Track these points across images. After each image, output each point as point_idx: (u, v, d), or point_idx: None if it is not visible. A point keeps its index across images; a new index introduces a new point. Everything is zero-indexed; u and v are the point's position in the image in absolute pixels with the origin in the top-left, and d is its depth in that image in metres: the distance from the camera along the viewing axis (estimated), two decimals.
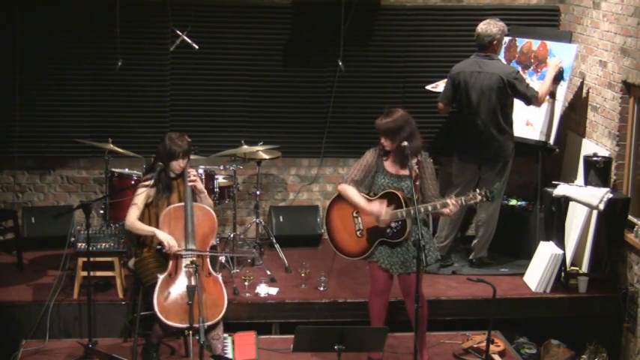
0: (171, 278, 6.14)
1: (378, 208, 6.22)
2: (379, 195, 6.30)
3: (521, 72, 7.70)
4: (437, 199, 6.31)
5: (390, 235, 6.30)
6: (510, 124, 7.70)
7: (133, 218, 6.31)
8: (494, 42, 7.59)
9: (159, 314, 6.02)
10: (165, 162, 6.33)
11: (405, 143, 6.22)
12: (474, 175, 7.75)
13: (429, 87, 8.26)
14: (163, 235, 6.20)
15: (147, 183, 6.34)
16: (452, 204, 6.17)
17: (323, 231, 8.75)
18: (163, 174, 6.36)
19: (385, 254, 6.36)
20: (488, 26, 7.57)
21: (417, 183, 6.29)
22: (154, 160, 6.46)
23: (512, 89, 7.51)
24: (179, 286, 6.09)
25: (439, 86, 8.09)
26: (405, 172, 6.26)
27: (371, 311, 6.57)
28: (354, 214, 6.42)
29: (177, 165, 6.35)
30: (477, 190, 6.23)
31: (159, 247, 6.23)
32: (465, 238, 8.29)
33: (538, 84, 8.06)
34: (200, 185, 6.48)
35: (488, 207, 7.77)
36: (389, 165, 6.33)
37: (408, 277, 6.30)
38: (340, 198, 6.45)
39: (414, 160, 6.28)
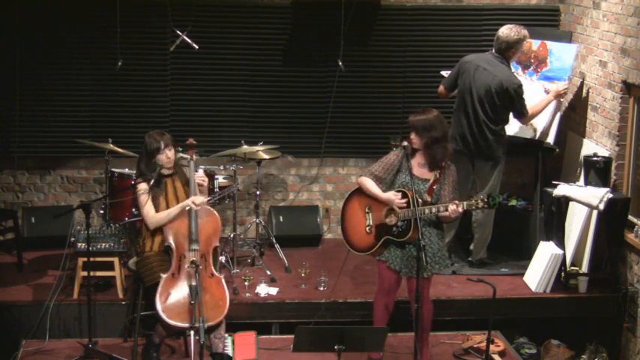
0: (174, 278, 6.14)
1: (392, 197, 6.26)
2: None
3: (523, 86, 7.68)
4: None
5: (395, 233, 6.32)
6: (503, 127, 7.72)
7: (152, 215, 6.32)
8: (511, 49, 7.59)
9: (161, 314, 6.01)
10: (154, 159, 6.34)
11: (405, 143, 6.26)
12: (467, 173, 7.76)
13: (443, 72, 8.25)
14: (185, 202, 6.25)
15: (144, 185, 6.34)
16: (452, 208, 6.18)
17: (325, 231, 8.78)
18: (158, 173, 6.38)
19: (396, 256, 6.37)
20: (510, 32, 7.56)
21: (435, 187, 6.30)
22: (139, 161, 6.46)
23: (508, 99, 7.51)
24: (182, 286, 6.09)
25: None
26: (427, 175, 6.29)
27: (375, 310, 6.58)
28: (367, 210, 6.43)
29: (165, 157, 6.36)
30: (481, 197, 6.29)
31: (167, 244, 6.24)
32: (464, 239, 8.27)
33: (538, 84, 8.07)
34: (205, 188, 6.49)
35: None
36: (414, 166, 6.31)
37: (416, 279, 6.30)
38: (357, 192, 6.48)
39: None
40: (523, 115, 7.66)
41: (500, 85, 7.48)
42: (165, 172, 6.42)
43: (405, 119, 8.47)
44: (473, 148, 7.68)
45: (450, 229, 7.88)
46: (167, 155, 6.36)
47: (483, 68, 7.56)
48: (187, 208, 6.29)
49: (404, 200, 6.24)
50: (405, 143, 6.28)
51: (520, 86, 7.56)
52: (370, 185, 6.37)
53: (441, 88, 7.88)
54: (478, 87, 7.55)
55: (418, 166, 6.32)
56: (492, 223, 7.91)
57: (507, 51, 7.59)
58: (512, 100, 7.52)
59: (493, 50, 7.66)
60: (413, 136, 6.29)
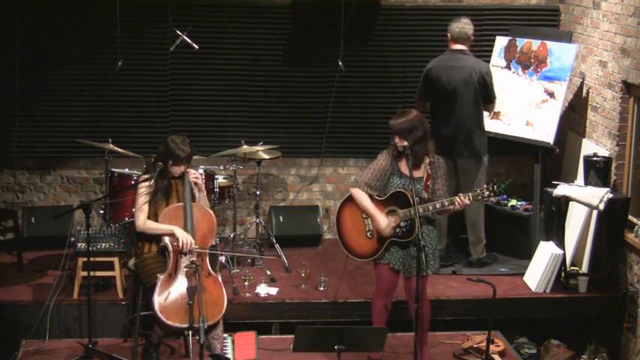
0: (171, 278, 6.14)
1: (384, 223, 6.26)
2: (389, 194, 6.33)
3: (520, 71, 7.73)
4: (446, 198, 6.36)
5: (399, 234, 6.32)
6: (482, 120, 7.77)
7: (143, 220, 6.31)
8: (472, 37, 7.75)
9: (159, 314, 6.01)
10: (167, 164, 6.34)
11: (405, 143, 6.26)
12: (450, 175, 7.74)
13: None
14: (180, 232, 6.21)
15: (146, 183, 6.34)
16: (459, 200, 6.20)
17: (325, 231, 8.78)
18: (163, 174, 6.36)
19: (397, 256, 6.37)
20: (465, 24, 7.70)
21: (429, 183, 6.31)
22: (154, 160, 6.46)
23: (482, 83, 7.59)
24: (179, 286, 6.09)
25: None
26: (419, 173, 6.30)
27: (374, 311, 6.58)
28: (364, 215, 6.43)
29: (178, 170, 6.36)
30: (485, 186, 6.32)
31: (162, 244, 6.23)
32: (462, 239, 8.27)
33: (538, 84, 8.08)
34: (201, 184, 6.49)
35: (472, 207, 7.73)
36: (403, 167, 6.33)
37: (415, 278, 6.29)
38: (351, 199, 6.47)
39: (427, 161, 6.33)
40: (492, 101, 7.74)
41: (473, 72, 7.57)
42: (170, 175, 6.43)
43: None
44: (454, 147, 7.67)
45: (440, 236, 7.83)
46: (181, 169, 6.37)
47: (451, 66, 7.63)
48: (183, 204, 6.31)
49: (391, 228, 6.25)
50: (406, 143, 6.27)
51: (490, 69, 7.70)
52: (363, 199, 6.33)
53: (417, 101, 7.89)
54: (454, 84, 7.58)
55: (407, 165, 6.31)
56: (483, 222, 7.91)
57: (468, 41, 7.71)
58: (485, 83, 7.61)
59: (453, 47, 7.71)
60: (397, 139, 6.29)
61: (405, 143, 6.26)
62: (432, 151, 6.43)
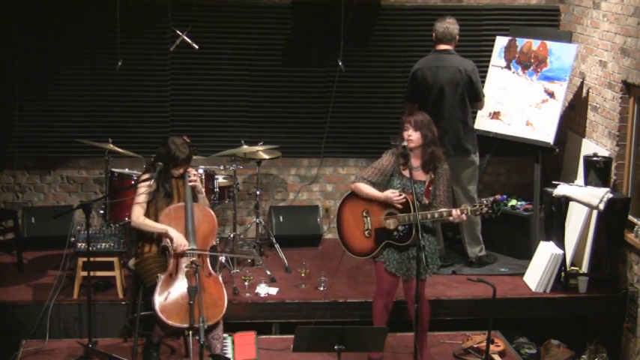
0: (172, 278, 6.14)
1: (390, 194, 6.27)
2: None
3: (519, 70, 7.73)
4: (445, 206, 6.33)
5: (396, 237, 6.32)
6: (469, 118, 7.78)
7: (138, 215, 6.31)
8: (457, 37, 7.74)
9: (159, 314, 6.01)
10: (167, 166, 6.34)
11: (405, 143, 6.27)
12: None
13: None
14: (175, 233, 6.20)
15: (146, 183, 6.34)
16: (456, 214, 6.18)
17: (325, 231, 8.78)
18: (164, 174, 6.36)
19: (393, 258, 6.38)
20: (450, 23, 7.70)
21: (430, 188, 6.31)
22: (154, 159, 6.46)
23: (469, 82, 7.60)
24: (180, 286, 6.09)
25: None
26: (422, 177, 6.30)
27: (374, 311, 6.58)
28: (364, 214, 6.43)
29: (176, 172, 6.37)
30: (484, 202, 6.23)
31: (164, 245, 6.23)
32: (459, 239, 8.27)
33: (538, 84, 8.08)
34: (200, 186, 6.50)
35: (460, 204, 7.71)
36: (404, 168, 6.33)
37: (413, 282, 6.29)
38: (353, 196, 6.48)
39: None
40: (480, 99, 7.76)
41: (457, 72, 7.57)
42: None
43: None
44: (442, 147, 7.66)
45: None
46: (180, 172, 6.37)
47: (436, 67, 7.65)
48: (184, 204, 6.32)
49: (402, 197, 6.24)
50: (405, 143, 6.28)
51: (475, 67, 7.69)
52: (365, 188, 6.37)
53: (406, 103, 7.91)
54: (440, 84, 7.59)
55: (410, 168, 6.32)
56: (480, 222, 7.90)
57: (454, 39, 7.71)
58: (471, 80, 7.61)
59: (438, 47, 7.72)
60: (411, 132, 6.29)
61: (405, 143, 6.26)
62: (441, 156, 6.41)
